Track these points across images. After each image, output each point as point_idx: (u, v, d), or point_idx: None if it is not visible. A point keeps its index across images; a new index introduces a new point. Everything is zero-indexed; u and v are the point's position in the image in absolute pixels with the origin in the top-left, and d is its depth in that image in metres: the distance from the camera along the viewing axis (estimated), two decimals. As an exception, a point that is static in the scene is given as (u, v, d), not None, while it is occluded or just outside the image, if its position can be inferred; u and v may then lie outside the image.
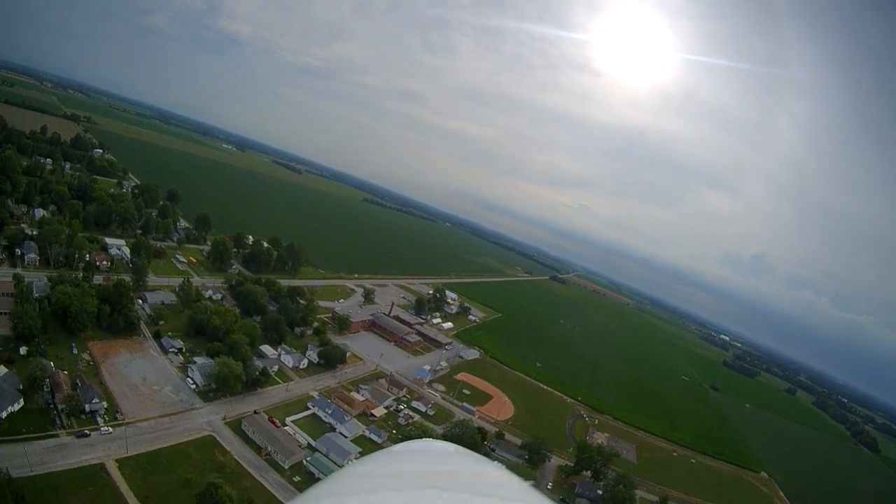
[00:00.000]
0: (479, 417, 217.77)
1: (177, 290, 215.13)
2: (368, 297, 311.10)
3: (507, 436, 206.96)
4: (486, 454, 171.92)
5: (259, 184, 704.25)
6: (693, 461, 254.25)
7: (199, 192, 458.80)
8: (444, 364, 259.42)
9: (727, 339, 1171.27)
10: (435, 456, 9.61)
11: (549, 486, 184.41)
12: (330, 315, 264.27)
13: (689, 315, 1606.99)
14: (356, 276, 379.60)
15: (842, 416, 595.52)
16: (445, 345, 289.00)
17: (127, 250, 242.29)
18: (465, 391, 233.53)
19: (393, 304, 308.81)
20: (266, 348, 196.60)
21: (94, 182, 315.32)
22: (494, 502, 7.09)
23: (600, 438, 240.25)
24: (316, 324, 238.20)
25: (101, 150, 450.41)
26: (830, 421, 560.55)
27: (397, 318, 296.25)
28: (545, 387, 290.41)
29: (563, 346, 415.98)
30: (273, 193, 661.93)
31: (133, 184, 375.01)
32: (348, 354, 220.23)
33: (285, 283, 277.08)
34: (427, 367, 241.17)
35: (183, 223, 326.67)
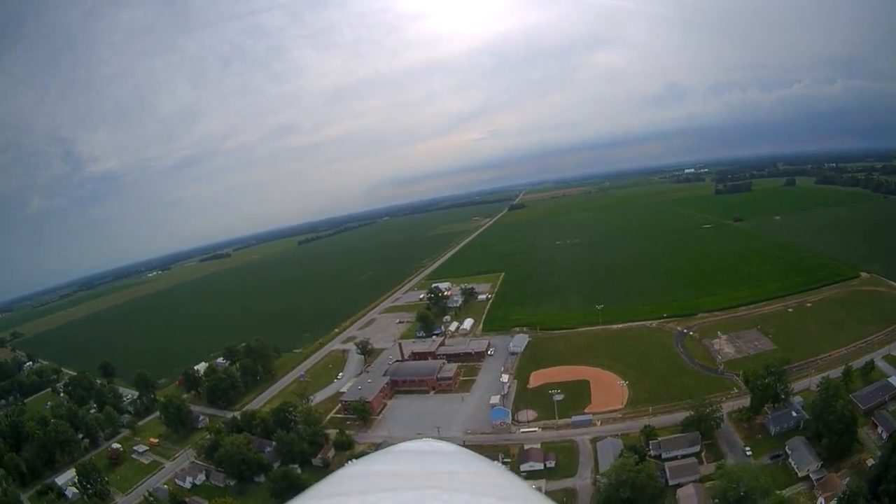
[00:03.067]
0: (601, 423, 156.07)
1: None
2: (365, 348, 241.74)
3: (655, 421, 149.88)
4: (665, 472, 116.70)
5: (192, 293, 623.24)
6: (808, 305, 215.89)
7: (137, 341, 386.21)
8: (506, 379, 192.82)
9: (693, 171, 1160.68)
10: (435, 456, 9.52)
11: (747, 452, 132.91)
12: (340, 407, 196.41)
13: (645, 170, 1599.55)
14: (336, 330, 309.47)
15: (850, 179, 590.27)
16: (487, 352, 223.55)
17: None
18: (556, 396, 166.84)
19: (399, 344, 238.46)
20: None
21: (23, 412, 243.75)
22: (494, 502, 6.95)
23: (724, 346, 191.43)
24: (332, 433, 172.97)
25: (30, 363, 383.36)
26: (844, 189, 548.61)
27: (415, 356, 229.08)
28: (619, 326, 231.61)
29: (583, 267, 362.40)
30: (207, 294, 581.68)
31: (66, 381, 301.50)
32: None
33: (265, 397, 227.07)
34: (496, 400, 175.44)
35: (129, 394, 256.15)
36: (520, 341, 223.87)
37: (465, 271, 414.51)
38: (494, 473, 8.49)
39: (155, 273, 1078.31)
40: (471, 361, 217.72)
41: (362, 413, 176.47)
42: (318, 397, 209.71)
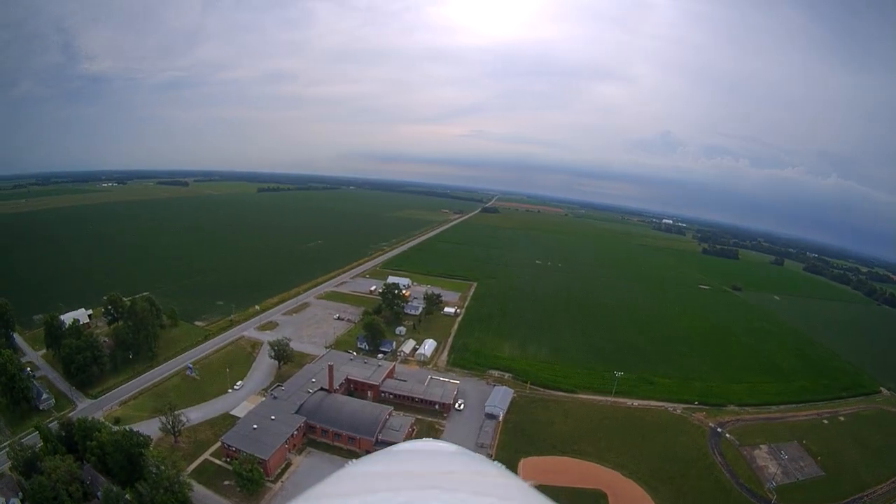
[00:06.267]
0: None
1: None
2: (282, 353, 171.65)
3: None
4: None
5: (134, 214, 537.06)
6: (842, 419, 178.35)
7: (52, 255, 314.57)
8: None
9: (671, 222, 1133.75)
10: (435, 456, 9.56)
11: None
12: (221, 448, 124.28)
13: (621, 208, 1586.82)
14: (257, 307, 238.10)
15: (839, 276, 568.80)
16: (455, 405, 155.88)
17: None
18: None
19: (330, 366, 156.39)
20: None
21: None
22: (494, 502, 6.92)
23: (768, 463, 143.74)
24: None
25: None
26: (835, 284, 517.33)
27: (350, 387, 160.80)
28: (635, 403, 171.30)
29: (575, 302, 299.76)
30: (147, 220, 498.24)
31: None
32: None
33: (133, 387, 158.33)
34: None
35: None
36: (501, 398, 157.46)
37: (430, 269, 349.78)
38: (495, 473, 8.46)
39: (110, 184, 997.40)
40: (430, 415, 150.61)
41: (249, 484, 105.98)
42: (198, 414, 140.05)
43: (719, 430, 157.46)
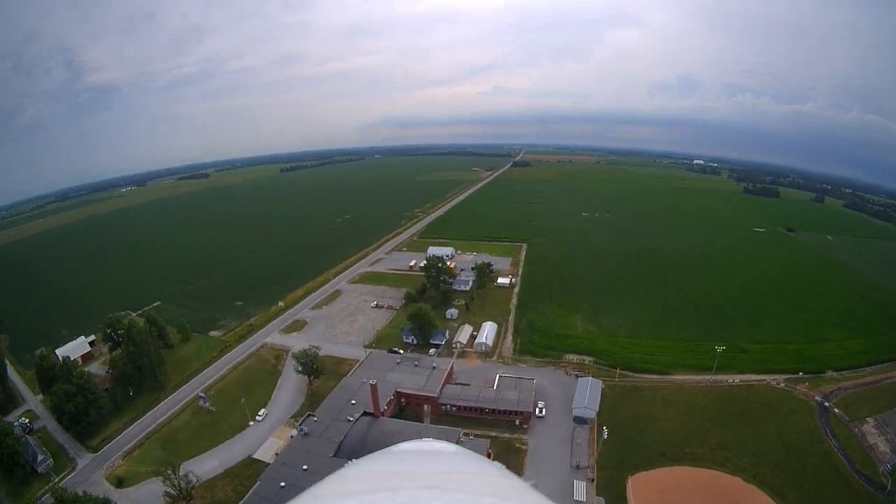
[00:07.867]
0: None
1: None
2: (312, 365, 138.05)
3: None
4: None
5: (150, 216, 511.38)
6: None
7: (62, 276, 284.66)
8: (583, 495, 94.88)
9: (702, 163, 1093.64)
10: (435, 456, 9.55)
11: None
12: None
13: (649, 151, 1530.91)
14: (280, 304, 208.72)
15: (880, 212, 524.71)
16: (535, 411, 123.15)
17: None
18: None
19: (372, 384, 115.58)
20: None
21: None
22: (494, 502, 6.81)
23: (874, 437, 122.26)
24: None
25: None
26: (878, 222, 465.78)
27: (399, 400, 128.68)
28: (736, 380, 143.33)
29: (636, 257, 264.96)
30: (164, 221, 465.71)
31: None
32: None
33: (136, 432, 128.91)
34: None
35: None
36: (591, 394, 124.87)
37: (473, 233, 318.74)
38: (494, 473, 8.48)
39: (128, 188, 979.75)
40: (505, 428, 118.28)
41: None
42: (214, 463, 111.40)
43: (826, 403, 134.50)
